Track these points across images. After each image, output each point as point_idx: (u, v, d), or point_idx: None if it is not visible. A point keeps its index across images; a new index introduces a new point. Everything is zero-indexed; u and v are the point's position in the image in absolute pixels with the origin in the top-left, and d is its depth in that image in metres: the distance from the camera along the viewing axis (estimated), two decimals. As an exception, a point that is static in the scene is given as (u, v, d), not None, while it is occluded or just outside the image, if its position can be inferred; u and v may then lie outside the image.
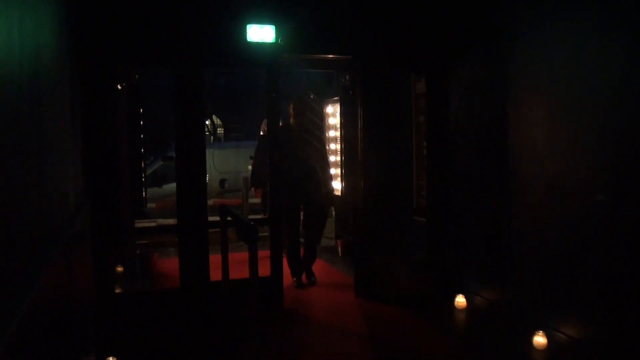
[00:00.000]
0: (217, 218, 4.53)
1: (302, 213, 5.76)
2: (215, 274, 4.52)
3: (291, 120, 5.77)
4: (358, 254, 5.39)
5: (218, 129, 25.21)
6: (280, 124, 6.29)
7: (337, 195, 6.81)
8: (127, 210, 5.74)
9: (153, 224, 7.64)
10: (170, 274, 5.59)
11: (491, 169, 4.78)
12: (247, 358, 3.90)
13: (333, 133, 7.58)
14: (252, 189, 7.13)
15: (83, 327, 3.31)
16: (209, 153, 6.25)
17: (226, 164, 10.45)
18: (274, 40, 4.77)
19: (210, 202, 5.18)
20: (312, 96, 5.90)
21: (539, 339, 3.91)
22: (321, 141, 5.95)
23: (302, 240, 5.81)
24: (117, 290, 4.78)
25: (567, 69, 3.85)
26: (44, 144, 2.29)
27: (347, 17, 5.10)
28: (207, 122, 23.41)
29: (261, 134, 7.11)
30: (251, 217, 7.56)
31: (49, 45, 2.54)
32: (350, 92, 5.79)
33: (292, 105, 5.76)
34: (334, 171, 6.82)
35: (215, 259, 4.54)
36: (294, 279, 5.64)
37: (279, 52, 4.85)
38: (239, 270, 4.26)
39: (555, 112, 3.96)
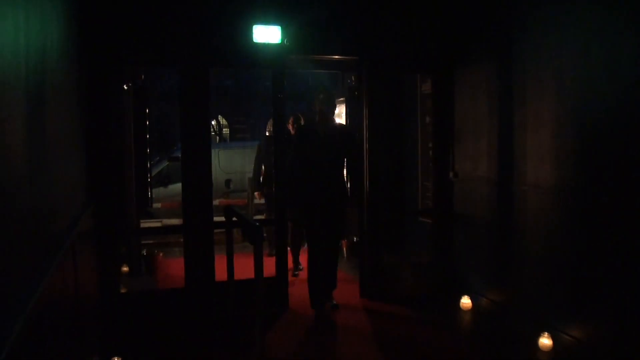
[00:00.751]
0: (222, 218, 4.54)
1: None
2: (221, 274, 4.52)
3: (317, 119, 5.00)
4: (363, 255, 5.39)
5: (224, 129, 25.27)
6: (302, 123, 6.19)
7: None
8: (132, 210, 5.76)
9: (158, 224, 7.68)
10: (175, 274, 5.61)
11: (495, 170, 4.76)
12: (252, 358, 3.90)
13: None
14: (257, 193, 7.10)
15: (88, 326, 3.32)
16: (214, 153, 6.24)
17: (232, 164, 10.44)
18: (279, 41, 4.78)
19: (215, 202, 5.18)
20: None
21: (545, 341, 3.89)
22: (354, 141, 5.15)
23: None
24: (122, 290, 4.79)
25: (573, 69, 3.83)
26: (49, 143, 2.30)
27: (353, 18, 5.10)
28: (212, 123, 23.52)
29: (267, 134, 7.09)
30: (256, 217, 7.58)
31: (55, 46, 2.55)
32: (356, 93, 5.79)
33: (320, 97, 4.94)
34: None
35: (220, 259, 4.55)
36: (314, 309, 4.88)
37: (285, 52, 4.85)
38: (244, 271, 4.26)
39: (561, 112, 3.94)
